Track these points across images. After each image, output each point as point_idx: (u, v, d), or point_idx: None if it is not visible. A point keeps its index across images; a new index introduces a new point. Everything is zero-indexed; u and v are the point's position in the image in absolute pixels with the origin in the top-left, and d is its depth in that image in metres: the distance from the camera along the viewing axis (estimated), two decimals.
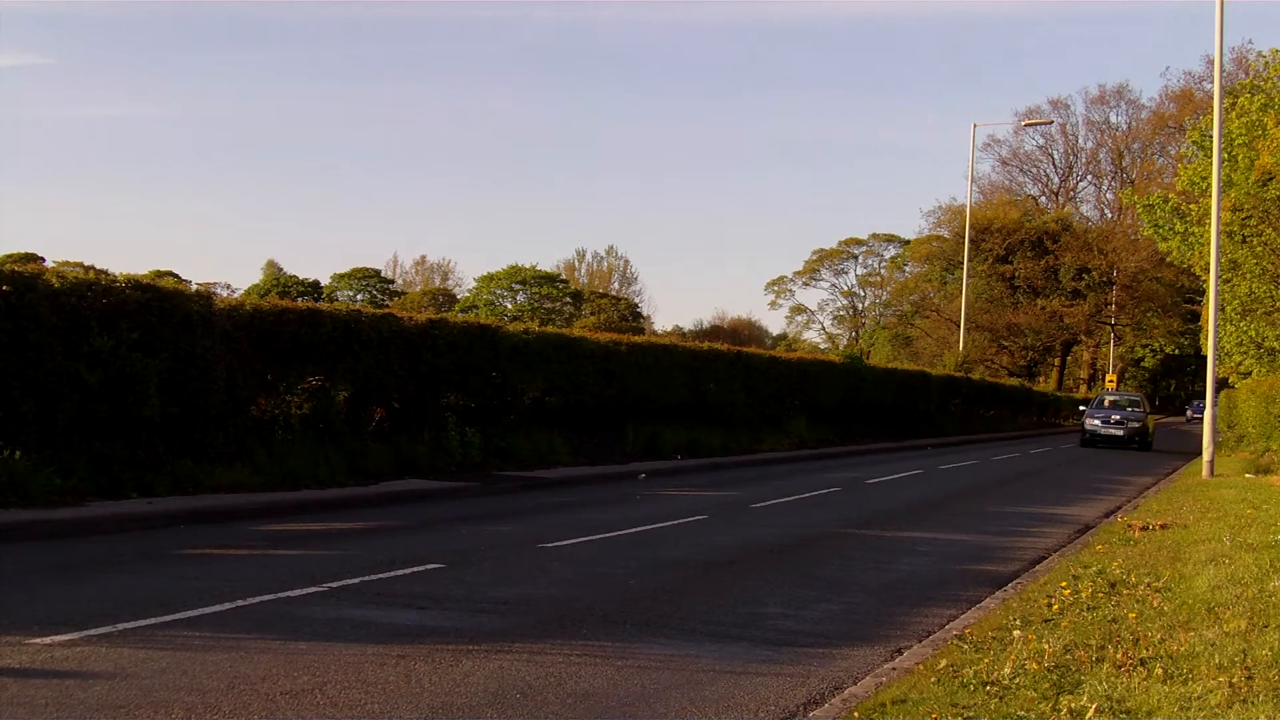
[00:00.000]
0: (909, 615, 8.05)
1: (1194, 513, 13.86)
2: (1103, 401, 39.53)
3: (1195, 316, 56.33)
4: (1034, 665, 5.87)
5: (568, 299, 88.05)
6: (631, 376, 22.45)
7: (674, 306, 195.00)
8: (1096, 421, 36.99)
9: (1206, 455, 21.70)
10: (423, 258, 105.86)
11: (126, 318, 12.33)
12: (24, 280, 11.43)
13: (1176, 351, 75.61)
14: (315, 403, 15.67)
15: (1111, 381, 78.95)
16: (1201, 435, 22.63)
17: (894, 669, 6.16)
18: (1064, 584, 8.48)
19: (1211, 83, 29.43)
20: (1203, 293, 35.37)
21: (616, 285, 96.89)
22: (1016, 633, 6.75)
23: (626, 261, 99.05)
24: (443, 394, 17.86)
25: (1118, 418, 36.71)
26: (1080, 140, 79.52)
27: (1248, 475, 21.05)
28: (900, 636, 7.31)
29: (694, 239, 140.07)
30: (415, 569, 8.96)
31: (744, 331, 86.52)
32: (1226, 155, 28.67)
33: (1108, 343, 78.60)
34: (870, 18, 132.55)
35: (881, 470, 22.55)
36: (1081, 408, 42.23)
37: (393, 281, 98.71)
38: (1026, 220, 73.36)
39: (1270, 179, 28.12)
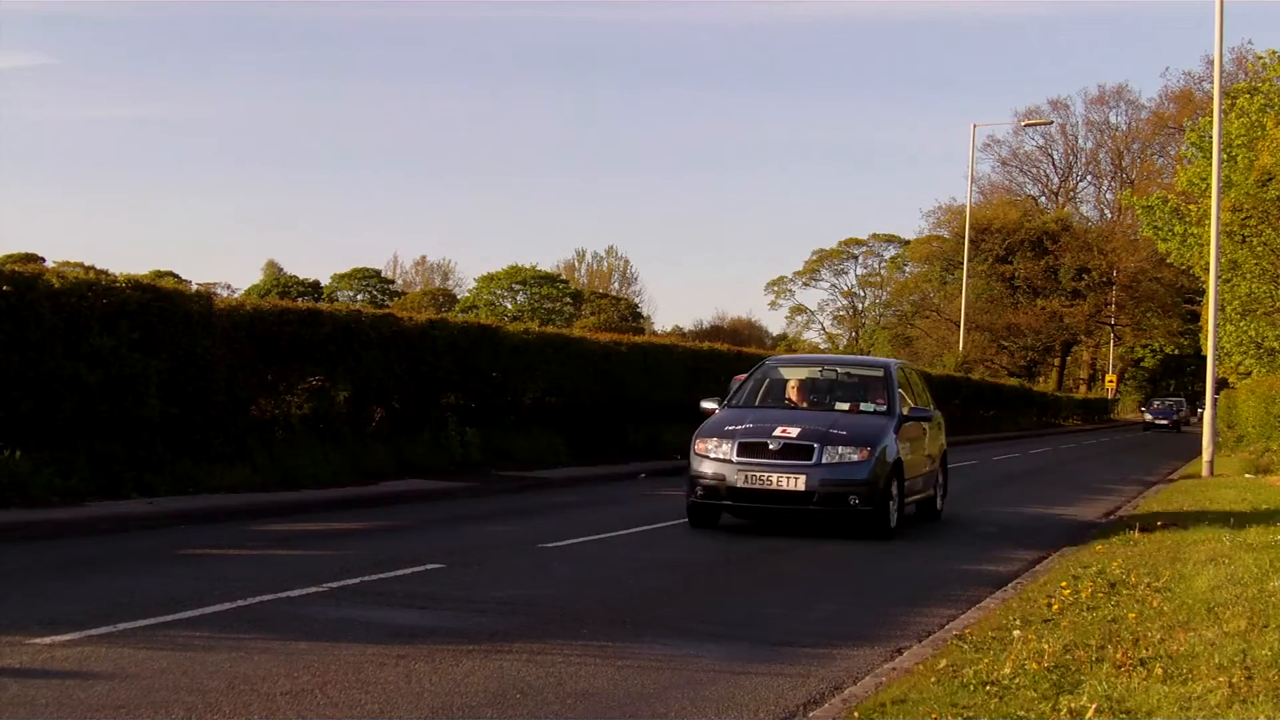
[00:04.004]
0: (909, 615, 8.06)
1: (1194, 513, 13.85)
2: (780, 387, 13.44)
3: (1195, 316, 56.21)
4: (1034, 665, 5.87)
5: (568, 299, 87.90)
6: (631, 376, 22.44)
7: (674, 306, 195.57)
8: (726, 447, 11.67)
9: (1206, 455, 21.73)
10: (423, 258, 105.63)
11: (126, 318, 12.32)
12: (24, 280, 11.43)
13: (1176, 351, 75.51)
14: (315, 403, 15.67)
15: (1111, 382, 78.87)
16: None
17: (894, 669, 6.16)
18: (1064, 584, 8.48)
19: (1211, 83, 29.41)
20: (1203, 293, 35.34)
21: (616, 285, 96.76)
22: (1016, 633, 6.75)
23: (626, 261, 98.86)
24: (443, 394, 17.87)
25: (794, 433, 11.62)
26: (1080, 140, 79.49)
27: (1247, 475, 21.06)
28: (900, 636, 7.31)
29: (694, 239, 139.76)
30: (415, 569, 8.96)
31: (744, 331, 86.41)
32: (1226, 156, 28.66)
33: (1108, 343, 78.58)
34: (870, 18, 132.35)
35: None
36: (707, 405, 13.13)
37: (393, 281, 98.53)
38: (1026, 220, 73.32)
39: (1270, 179, 28.14)
